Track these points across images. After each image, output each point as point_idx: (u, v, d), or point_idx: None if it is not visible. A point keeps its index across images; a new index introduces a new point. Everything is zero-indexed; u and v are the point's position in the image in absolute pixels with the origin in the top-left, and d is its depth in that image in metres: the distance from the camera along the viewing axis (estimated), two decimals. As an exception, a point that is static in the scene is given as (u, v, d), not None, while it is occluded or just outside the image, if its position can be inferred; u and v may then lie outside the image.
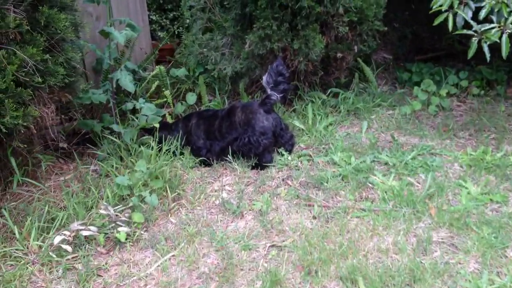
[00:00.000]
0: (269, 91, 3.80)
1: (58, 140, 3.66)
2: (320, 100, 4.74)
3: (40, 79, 2.67)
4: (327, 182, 3.51)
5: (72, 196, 3.37)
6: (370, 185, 3.49)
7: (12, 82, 2.51)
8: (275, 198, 3.44)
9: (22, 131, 2.61)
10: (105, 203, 3.06)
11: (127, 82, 3.46)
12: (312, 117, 4.49)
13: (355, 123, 4.54)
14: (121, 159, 3.88)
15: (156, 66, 4.55)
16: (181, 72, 4.64)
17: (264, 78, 3.82)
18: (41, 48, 2.70)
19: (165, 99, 4.39)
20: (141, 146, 3.86)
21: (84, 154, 4.16)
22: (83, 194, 3.41)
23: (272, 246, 2.97)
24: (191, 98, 4.61)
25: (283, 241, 2.99)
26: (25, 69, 2.57)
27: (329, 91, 4.85)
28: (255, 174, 3.80)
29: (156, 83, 4.36)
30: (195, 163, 3.96)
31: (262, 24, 3.96)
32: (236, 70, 4.37)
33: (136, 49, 4.75)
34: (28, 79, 2.58)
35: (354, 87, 4.92)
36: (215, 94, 4.92)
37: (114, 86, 3.60)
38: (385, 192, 3.36)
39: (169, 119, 4.58)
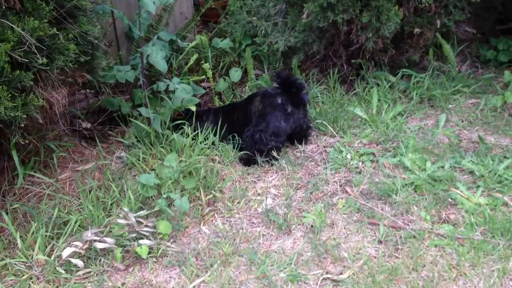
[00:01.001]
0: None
1: (77, 121, 3.15)
2: (387, 83, 4.01)
3: (45, 60, 2.12)
4: (395, 194, 2.87)
5: (89, 193, 2.87)
6: (451, 201, 2.81)
7: (7, 64, 1.97)
8: (330, 210, 2.85)
9: (23, 124, 2.09)
10: (125, 209, 2.54)
11: (158, 59, 2.88)
12: (377, 105, 3.78)
13: (430, 114, 3.81)
14: (150, 146, 3.34)
15: (197, 36, 3.92)
16: (225, 43, 4.01)
17: None
18: (46, 20, 2.13)
19: (203, 76, 3.79)
20: (174, 133, 3.31)
21: (110, 136, 3.65)
22: (103, 191, 2.91)
23: (326, 279, 2.40)
24: (235, 74, 4.00)
25: (340, 273, 2.42)
26: (24, 47, 2.01)
27: (399, 72, 4.09)
28: (306, 175, 3.19)
29: (195, 56, 3.75)
30: (235, 158, 3.38)
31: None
32: (290, 45, 3.69)
33: (176, 13, 4.13)
34: (28, 60, 2.04)
35: (429, 68, 4.13)
36: (264, 68, 4.27)
37: (145, 61, 3.02)
38: (471, 213, 2.69)
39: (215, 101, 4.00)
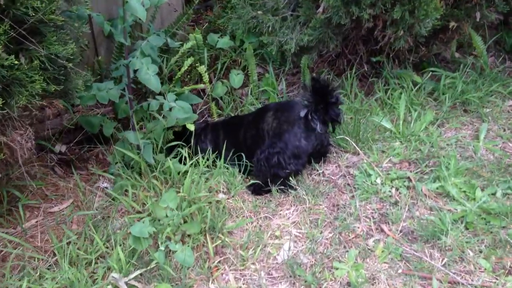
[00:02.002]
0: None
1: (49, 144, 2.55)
2: (412, 84, 3.46)
3: (-1, 101, 1.52)
4: (445, 234, 2.36)
5: (67, 246, 2.31)
6: (512, 242, 2.33)
7: None
8: (367, 258, 2.33)
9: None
10: (115, 276, 1.98)
11: (150, 77, 2.29)
12: (404, 112, 3.25)
13: (465, 122, 3.29)
14: (140, 176, 2.77)
15: (190, 34, 3.31)
16: (224, 43, 3.41)
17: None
18: (0, 45, 1.53)
19: (201, 84, 3.21)
20: (169, 159, 2.74)
21: (89, 161, 3.06)
22: (84, 242, 2.35)
23: None
24: (236, 78, 3.43)
25: None
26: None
27: (425, 71, 3.55)
28: (330, 206, 2.68)
29: (190, 60, 3.15)
30: (241, 185, 2.84)
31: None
32: (302, 44, 3.11)
33: (163, 5, 3.49)
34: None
35: (460, 66, 3.59)
36: (268, 67, 3.68)
37: (131, 76, 2.42)
38: (542, 261, 2.20)
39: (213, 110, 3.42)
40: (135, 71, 2.39)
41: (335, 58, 3.65)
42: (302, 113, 2.66)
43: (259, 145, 2.76)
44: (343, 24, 2.93)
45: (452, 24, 3.10)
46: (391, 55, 3.36)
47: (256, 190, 2.81)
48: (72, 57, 1.90)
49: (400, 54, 3.31)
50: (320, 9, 3.03)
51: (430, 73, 3.53)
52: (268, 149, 2.72)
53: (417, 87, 3.50)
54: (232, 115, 3.45)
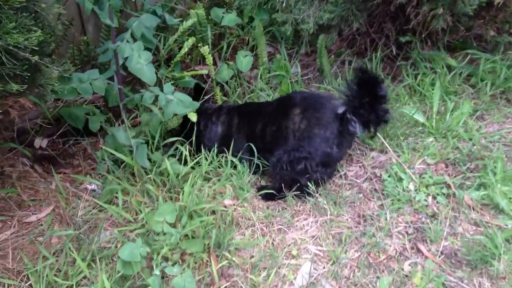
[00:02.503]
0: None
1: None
2: (447, 69, 3.01)
3: None
4: (497, 259, 1.96)
5: (43, 270, 1.92)
6: None
7: None
8: (402, 286, 1.93)
9: None
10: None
11: (142, 67, 1.86)
12: (438, 102, 2.81)
13: (509, 115, 2.84)
14: (132, 177, 2.37)
15: (191, 9, 2.85)
16: (230, 19, 2.94)
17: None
18: None
19: (204, 70, 2.77)
20: (166, 158, 2.33)
21: (75, 156, 2.65)
22: (64, 264, 1.97)
23: None
24: (244, 61, 2.98)
25: None
26: None
27: (461, 53, 3.09)
28: (355, 217, 2.29)
29: (191, 40, 2.70)
30: (255, 190, 2.44)
31: None
32: (322, 22, 2.65)
33: (160, -26, 3.03)
34: None
35: (498, 47, 3.13)
36: (280, 47, 3.22)
37: (120, 63, 1.99)
38: None
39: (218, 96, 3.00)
40: (125, 58, 1.94)
41: (356, 37, 3.18)
42: (340, 110, 2.24)
43: (280, 143, 2.36)
44: (372, -1, 2.47)
45: (498, 0, 2.62)
46: (423, 35, 2.89)
47: (269, 196, 2.41)
48: (39, 48, 1.46)
49: (434, 34, 2.85)
50: (345, -19, 2.56)
51: (469, 56, 3.06)
52: (293, 151, 2.32)
53: (452, 72, 3.04)
54: (240, 102, 3.01)
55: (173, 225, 2.09)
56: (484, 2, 2.43)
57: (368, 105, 2.16)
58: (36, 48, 1.45)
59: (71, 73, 1.95)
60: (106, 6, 1.97)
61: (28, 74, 1.48)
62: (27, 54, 1.43)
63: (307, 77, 3.29)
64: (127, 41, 2.08)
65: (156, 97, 2.20)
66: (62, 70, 1.85)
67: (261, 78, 3.15)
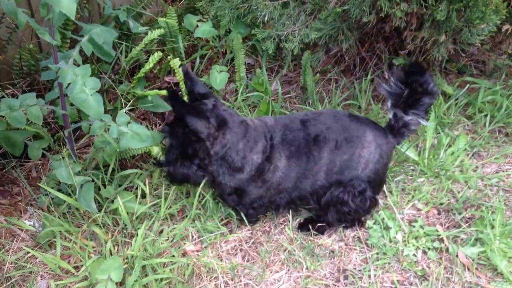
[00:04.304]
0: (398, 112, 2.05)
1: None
2: (441, 97, 2.74)
3: None
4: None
5: None
6: None
7: None
8: None
9: None
10: None
11: (87, 98, 1.54)
12: (431, 136, 2.54)
13: (509, 154, 2.58)
14: (78, 215, 2.05)
15: (160, 18, 2.51)
16: (206, 31, 2.61)
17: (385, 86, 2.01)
18: None
19: (163, 92, 2.44)
20: (118, 195, 2.01)
21: (18, 181, 2.31)
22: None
23: None
24: (219, 77, 2.65)
25: None
26: None
27: (462, 82, 2.83)
28: (335, 272, 2.00)
29: (157, 55, 2.36)
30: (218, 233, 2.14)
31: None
32: (308, 41, 2.34)
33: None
34: None
35: (502, 74, 2.87)
36: (262, 61, 2.91)
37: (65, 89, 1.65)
38: None
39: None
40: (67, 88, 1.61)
41: (343, 55, 2.88)
42: (390, 114, 2.04)
43: (344, 175, 2.03)
44: (362, 20, 2.16)
45: (507, 27, 2.34)
46: (419, 59, 2.60)
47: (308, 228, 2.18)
48: None
49: (431, 59, 2.56)
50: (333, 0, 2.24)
51: (468, 85, 2.78)
52: (367, 191, 2.05)
53: (448, 101, 2.76)
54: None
55: (121, 283, 1.77)
56: (493, 32, 2.13)
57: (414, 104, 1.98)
58: None
59: None
60: (46, 14, 1.62)
61: None
62: None
63: (288, 95, 2.98)
64: (74, 60, 1.73)
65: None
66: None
67: (239, 94, 2.83)
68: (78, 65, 1.75)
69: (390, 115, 2.05)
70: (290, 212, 2.15)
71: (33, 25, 1.57)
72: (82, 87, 1.61)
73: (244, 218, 2.13)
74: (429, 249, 2.11)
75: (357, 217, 2.14)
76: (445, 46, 2.22)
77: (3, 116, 1.74)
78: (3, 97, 1.78)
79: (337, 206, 2.04)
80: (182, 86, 2.45)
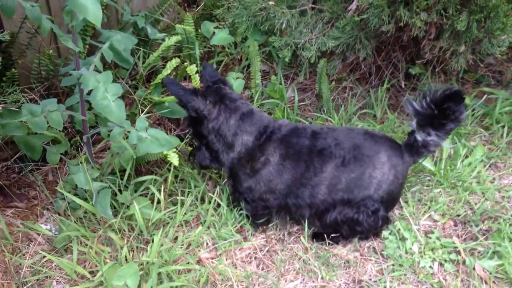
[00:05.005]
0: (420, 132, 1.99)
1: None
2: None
3: None
4: None
5: None
6: None
7: None
8: None
9: None
10: None
11: (109, 104, 1.55)
12: (448, 147, 2.52)
13: (525, 165, 2.56)
14: (94, 220, 2.06)
15: (177, 25, 2.52)
16: (222, 38, 2.63)
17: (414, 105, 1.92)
18: None
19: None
20: (134, 200, 2.02)
21: (34, 185, 2.33)
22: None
23: None
24: (235, 83, 2.66)
25: None
26: None
27: (480, 92, 2.81)
28: (350, 283, 1.98)
29: (175, 61, 2.38)
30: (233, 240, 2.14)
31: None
32: (325, 49, 2.34)
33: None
34: None
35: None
36: (277, 68, 2.91)
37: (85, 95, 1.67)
38: None
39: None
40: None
41: (359, 63, 2.88)
42: (420, 137, 1.98)
43: (354, 194, 2.01)
44: (381, 29, 2.16)
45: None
46: (436, 69, 2.59)
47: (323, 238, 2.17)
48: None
49: (448, 68, 2.55)
50: (353, 6, 2.25)
51: (485, 95, 2.77)
52: (380, 211, 2.03)
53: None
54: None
55: (136, 289, 1.77)
56: (513, 43, 2.13)
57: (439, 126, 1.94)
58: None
59: (20, 105, 1.62)
60: (69, 22, 1.64)
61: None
62: None
63: (303, 103, 2.98)
64: (95, 66, 1.74)
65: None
66: (9, 102, 1.52)
67: (256, 101, 2.84)
68: (99, 72, 1.76)
69: (411, 134, 2.02)
70: (306, 222, 2.14)
71: (56, 31, 1.59)
72: (104, 93, 1.63)
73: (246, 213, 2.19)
74: (445, 261, 2.09)
75: (369, 235, 2.14)
76: (464, 56, 2.21)
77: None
78: (22, 102, 1.77)
79: (350, 225, 2.04)
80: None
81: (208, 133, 2.11)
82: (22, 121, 1.73)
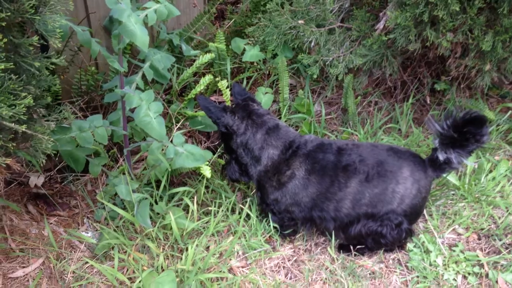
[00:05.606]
0: (442, 150, 2.06)
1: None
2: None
3: None
4: None
5: None
6: None
7: None
8: None
9: None
10: None
11: (151, 121, 1.67)
12: (471, 165, 2.58)
13: (551, 180, 2.60)
14: (133, 229, 2.18)
15: (211, 43, 2.64)
16: (254, 55, 2.74)
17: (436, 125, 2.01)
18: None
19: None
20: (170, 212, 2.13)
21: (75, 194, 2.46)
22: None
23: None
24: (264, 98, 2.77)
25: None
26: None
27: (504, 108, 2.86)
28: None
29: (209, 78, 2.49)
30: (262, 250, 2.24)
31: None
32: (352, 66, 2.43)
33: (179, -2, 2.83)
34: None
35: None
36: (305, 84, 3.01)
37: (127, 110, 1.80)
38: None
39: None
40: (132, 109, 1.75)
41: (385, 79, 2.95)
42: (442, 156, 2.04)
43: (378, 208, 2.11)
44: (411, 49, 2.24)
45: (551, 56, 2.38)
46: (462, 85, 2.65)
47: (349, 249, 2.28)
48: (27, 116, 1.27)
49: (473, 84, 2.61)
50: (380, 25, 2.34)
51: (509, 111, 2.82)
52: (403, 224, 2.12)
53: (489, 126, 2.80)
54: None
55: (173, 296, 1.88)
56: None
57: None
58: (24, 118, 1.26)
59: (70, 122, 1.75)
60: (115, 45, 1.77)
61: (14, 144, 1.29)
62: (13, 124, 1.23)
63: (329, 116, 3.07)
64: (137, 85, 1.87)
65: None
66: (60, 119, 1.65)
67: (281, 115, 2.94)
68: (141, 90, 1.89)
69: (435, 150, 2.09)
70: (337, 235, 2.22)
71: (104, 54, 1.72)
72: (147, 111, 1.75)
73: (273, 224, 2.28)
74: (469, 274, 2.15)
75: (393, 247, 2.22)
76: (489, 74, 2.28)
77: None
78: (62, 118, 1.90)
79: (375, 237, 2.12)
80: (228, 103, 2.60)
81: (237, 147, 2.22)
82: (71, 136, 1.87)
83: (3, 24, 1.12)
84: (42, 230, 2.26)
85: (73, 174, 2.52)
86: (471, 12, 2.08)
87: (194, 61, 2.74)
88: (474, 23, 2.11)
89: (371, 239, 2.15)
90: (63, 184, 2.50)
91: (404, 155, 2.13)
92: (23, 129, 1.26)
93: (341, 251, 2.27)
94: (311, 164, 2.11)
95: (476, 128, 1.90)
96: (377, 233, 2.11)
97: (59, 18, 1.41)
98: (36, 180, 2.35)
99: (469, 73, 2.38)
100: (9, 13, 1.15)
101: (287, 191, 2.15)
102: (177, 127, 2.51)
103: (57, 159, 2.42)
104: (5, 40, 1.17)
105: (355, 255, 2.24)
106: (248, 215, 2.35)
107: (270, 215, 2.28)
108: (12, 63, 1.20)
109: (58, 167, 2.48)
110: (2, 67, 1.15)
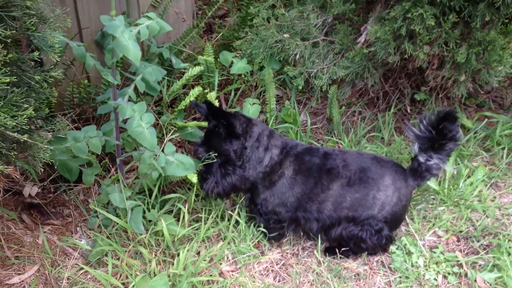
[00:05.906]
0: (423, 156, 2.18)
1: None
2: (462, 129, 2.91)
3: None
4: None
5: None
6: None
7: None
8: None
9: None
10: None
11: (143, 131, 1.76)
12: (452, 167, 2.70)
13: (525, 184, 2.73)
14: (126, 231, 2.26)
15: (200, 56, 2.74)
16: (241, 67, 2.84)
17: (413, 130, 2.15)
18: None
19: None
20: (161, 218, 2.21)
21: (68, 203, 2.53)
22: None
23: None
24: (252, 109, 2.86)
25: None
26: None
27: (481, 116, 2.99)
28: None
29: (197, 90, 2.59)
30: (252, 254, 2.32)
31: (407, 8, 2.10)
32: (336, 77, 2.55)
33: (170, 13, 2.93)
34: None
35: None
36: (291, 95, 3.12)
37: (120, 121, 1.89)
38: None
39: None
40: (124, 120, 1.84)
41: (367, 89, 3.08)
42: (423, 159, 2.17)
43: (358, 212, 2.22)
44: (388, 61, 2.36)
45: (523, 67, 2.52)
46: (440, 95, 2.79)
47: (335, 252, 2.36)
48: (28, 126, 1.35)
49: (451, 94, 2.74)
50: (361, 39, 2.46)
51: (486, 119, 2.96)
52: (384, 230, 2.23)
53: (467, 134, 2.93)
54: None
55: (166, 299, 1.96)
56: (510, 73, 2.32)
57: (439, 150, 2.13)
58: (25, 128, 1.34)
59: (65, 133, 1.84)
60: (108, 59, 1.86)
61: (16, 153, 1.37)
62: (15, 133, 1.32)
63: (315, 126, 3.18)
64: (129, 97, 1.96)
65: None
66: (57, 129, 1.73)
67: (271, 124, 3.04)
68: (134, 102, 1.98)
69: (414, 159, 2.21)
70: (319, 237, 2.32)
71: (98, 68, 1.82)
72: (139, 122, 1.84)
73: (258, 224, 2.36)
74: (449, 274, 2.26)
75: (374, 252, 2.33)
76: (465, 84, 2.41)
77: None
78: (57, 129, 1.97)
79: (356, 242, 2.23)
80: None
81: (243, 152, 2.22)
82: (67, 146, 1.95)
83: (8, 41, 1.21)
84: (36, 239, 2.32)
85: (66, 184, 2.59)
86: (446, 26, 2.21)
87: (183, 73, 2.83)
88: (449, 37, 2.25)
89: (352, 243, 2.26)
90: (56, 194, 2.57)
91: (387, 164, 2.24)
92: (25, 139, 1.34)
93: (327, 254, 2.36)
94: (298, 165, 2.22)
95: (450, 123, 2.03)
96: (358, 238, 2.22)
97: (57, 35, 1.50)
98: (30, 190, 2.42)
99: (446, 84, 2.50)
100: (13, 31, 1.24)
101: (275, 190, 2.25)
102: (168, 137, 2.60)
103: (50, 169, 2.49)
104: (10, 55, 1.26)
105: (340, 257, 2.34)
106: (237, 221, 2.44)
107: (257, 217, 2.37)
108: (15, 77, 1.28)
109: (51, 177, 2.55)
110: (8, 80, 1.24)
